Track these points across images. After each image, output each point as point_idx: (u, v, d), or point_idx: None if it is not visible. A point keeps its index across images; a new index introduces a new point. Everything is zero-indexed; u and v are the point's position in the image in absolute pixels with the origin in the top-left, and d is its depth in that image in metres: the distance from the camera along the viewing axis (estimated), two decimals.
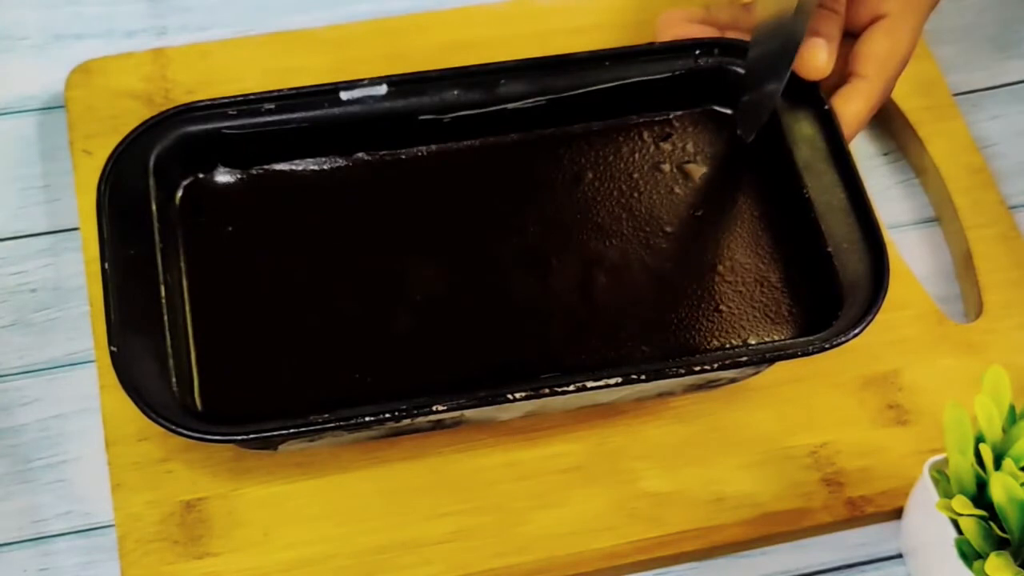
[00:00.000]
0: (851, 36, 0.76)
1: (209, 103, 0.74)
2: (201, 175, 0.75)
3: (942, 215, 0.82)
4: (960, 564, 0.64)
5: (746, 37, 0.77)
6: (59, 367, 0.75)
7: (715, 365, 0.69)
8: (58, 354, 0.75)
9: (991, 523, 0.64)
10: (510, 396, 0.67)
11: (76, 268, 0.77)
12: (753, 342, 0.72)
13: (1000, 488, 0.63)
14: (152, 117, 0.73)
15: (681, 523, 0.71)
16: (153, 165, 0.73)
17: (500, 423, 0.72)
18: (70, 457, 0.73)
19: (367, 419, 0.66)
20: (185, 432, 0.65)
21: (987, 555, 0.63)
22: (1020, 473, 0.64)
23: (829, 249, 0.72)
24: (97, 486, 0.71)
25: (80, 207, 0.77)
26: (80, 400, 0.74)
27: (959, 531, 0.64)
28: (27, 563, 0.70)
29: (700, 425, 0.74)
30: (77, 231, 0.78)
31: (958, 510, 0.63)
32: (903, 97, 0.83)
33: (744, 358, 0.69)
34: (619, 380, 0.67)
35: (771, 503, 0.72)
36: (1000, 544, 0.64)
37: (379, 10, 0.86)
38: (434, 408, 0.66)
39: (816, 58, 0.73)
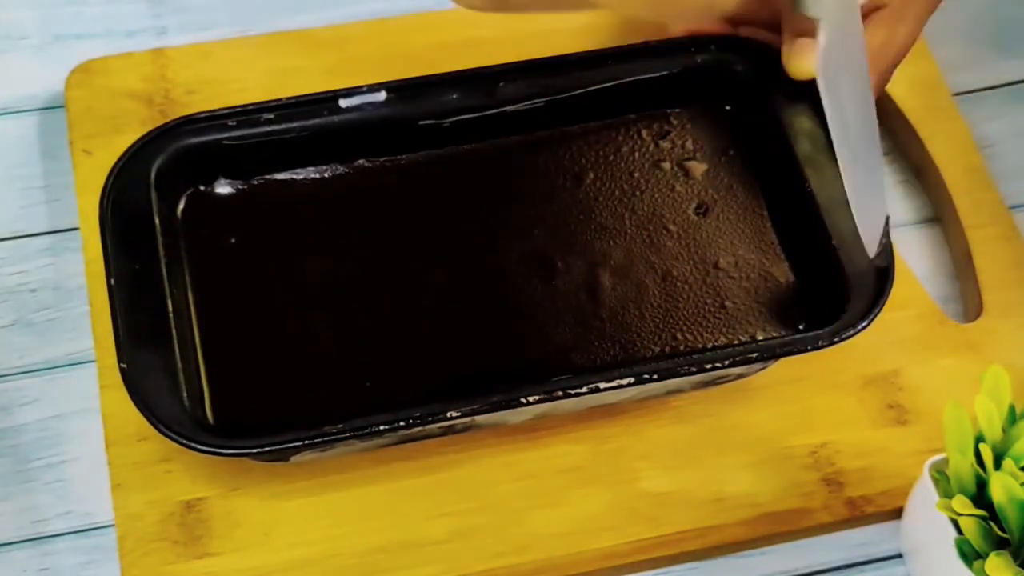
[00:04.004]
0: None
1: (208, 115, 0.74)
2: (202, 187, 0.75)
3: (942, 215, 0.82)
4: (960, 564, 0.64)
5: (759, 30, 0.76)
6: (59, 367, 0.75)
7: (726, 362, 0.69)
8: (58, 354, 0.75)
9: (991, 523, 0.64)
10: (524, 400, 0.67)
11: (76, 268, 0.77)
12: (760, 338, 0.72)
13: (1000, 488, 0.63)
14: (151, 130, 0.73)
15: (681, 523, 0.71)
16: (154, 178, 0.72)
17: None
18: (70, 457, 0.73)
19: (381, 428, 0.66)
20: (199, 447, 0.65)
21: (987, 555, 0.63)
22: (1020, 473, 0.64)
23: (834, 243, 0.72)
24: (97, 486, 0.71)
25: (80, 207, 0.77)
26: (80, 400, 0.74)
27: (959, 531, 0.64)
28: (27, 563, 0.70)
29: (700, 425, 0.74)
30: (77, 231, 0.78)
31: (958, 510, 0.63)
32: (903, 97, 0.83)
33: (755, 354, 0.69)
34: (631, 380, 0.68)
35: (771, 503, 0.72)
36: (1000, 544, 0.64)
37: (379, 10, 0.86)
38: (448, 414, 0.66)
39: (805, 59, 0.73)
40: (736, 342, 0.72)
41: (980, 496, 0.64)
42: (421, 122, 0.76)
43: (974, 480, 0.65)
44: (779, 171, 0.75)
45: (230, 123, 0.74)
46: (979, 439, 0.65)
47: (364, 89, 0.75)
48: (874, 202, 0.71)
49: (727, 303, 0.73)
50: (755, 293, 0.74)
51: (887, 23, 0.75)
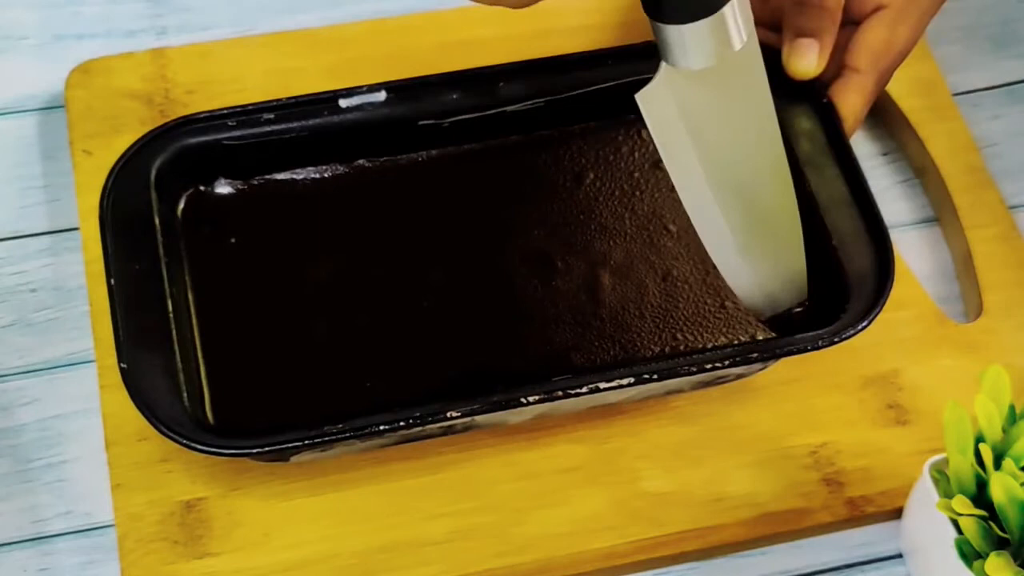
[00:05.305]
0: (854, 24, 0.76)
1: (208, 115, 0.74)
2: (202, 187, 0.75)
3: (942, 215, 0.82)
4: (960, 564, 0.64)
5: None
6: (59, 367, 0.75)
7: (726, 362, 0.69)
8: (58, 354, 0.75)
9: (991, 523, 0.64)
10: (524, 400, 0.67)
11: (76, 268, 0.77)
12: (760, 337, 0.72)
13: (1000, 488, 0.63)
14: (151, 130, 0.73)
15: (681, 523, 0.71)
16: (154, 179, 0.73)
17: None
18: (70, 457, 0.73)
19: (381, 427, 0.66)
20: (199, 447, 0.65)
21: (987, 555, 0.63)
22: (1020, 473, 0.64)
23: (834, 243, 0.72)
24: (97, 486, 0.71)
25: (80, 207, 0.77)
26: (80, 400, 0.74)
27: (959, 531, 0.64)
28: (27, 563, 0.70)
29: (700, 425, 0.74)
30: (77, 231, 0.78)
31: (958, 510, 0.63)
32: (903, 97, 0.83)
33: (754, 354, 0.69)
34: (631, 380, 0.68)
35: (771, 503, 0.72)
36: (1000, 544, 0.64)
37: (379, 10, 0.86)
38: (448, 414, 0.66)
39: (805, 59, 0.73)
40: (736, 342, 0.72)
41: (980, 496, 0.64)
42: (421, 122, 0.76)
43: (974, 480, 0.65)
44: None
45: (230, 123, 0.74)
46: (979, 439, 0.65)
47: (364, 89, 0.75)
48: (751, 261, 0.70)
49: (727, 303, 0.73)
50: None
51: (888, 23, 0.75)
